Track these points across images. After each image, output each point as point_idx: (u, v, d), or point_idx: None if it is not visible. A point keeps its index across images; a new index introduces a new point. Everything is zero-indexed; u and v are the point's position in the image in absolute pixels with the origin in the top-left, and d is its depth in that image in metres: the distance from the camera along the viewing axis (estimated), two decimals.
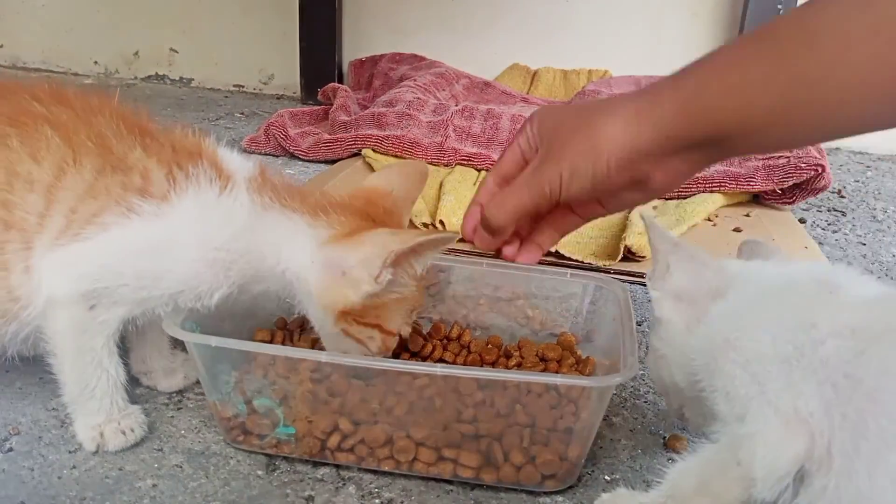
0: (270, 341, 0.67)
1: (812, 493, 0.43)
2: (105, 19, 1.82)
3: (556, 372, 0.63)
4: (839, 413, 0.43)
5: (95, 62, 1.86)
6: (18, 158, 0.56)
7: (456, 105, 1.43)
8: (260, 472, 0.58)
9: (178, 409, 0.65)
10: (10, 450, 0.59)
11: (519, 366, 0.63)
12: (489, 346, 0.66)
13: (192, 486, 0.57)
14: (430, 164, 1.26)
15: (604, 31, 1.74)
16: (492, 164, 1.22)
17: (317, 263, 0.58)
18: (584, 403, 0.55)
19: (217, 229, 0.57)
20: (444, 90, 1.52)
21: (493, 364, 0.64)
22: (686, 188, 1.19)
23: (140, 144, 0.59)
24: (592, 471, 0.60)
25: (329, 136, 1.33)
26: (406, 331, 0.62)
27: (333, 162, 1.31)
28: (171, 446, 0.61)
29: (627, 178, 0.60)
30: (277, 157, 1.33)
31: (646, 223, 0.61)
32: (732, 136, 0.59)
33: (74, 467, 0.58)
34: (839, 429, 0.43)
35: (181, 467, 0.58)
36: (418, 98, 1.41)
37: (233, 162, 0.61)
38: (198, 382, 0.67)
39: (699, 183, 1.19)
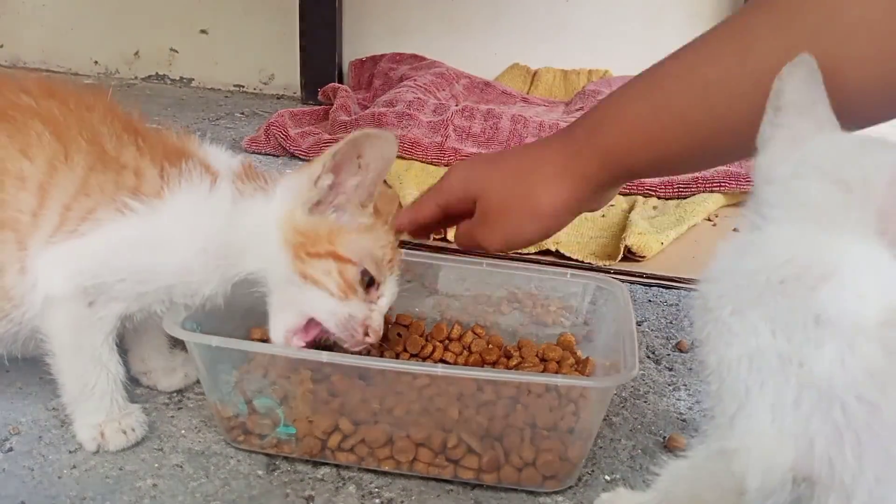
0: (268, 340, 0.66)
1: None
2: (105, 19, 1.82)
3: (557, 372, 0.63)
4: (851, 436, 0.39)
5: (96, 62, 1.85)
6: (8, 155, 0.56)
7: (456, 105, 1.43)
8: (260, 472, 0.58)
9: (179, 408, 0.65)
10: (11, 449, 0.59)
11: (519, 366, 0.63)
12: (490, 346, 0.66)
13: (192, 485, 0.57)
14: (430, 163, 1.26)
15: (604, 31, 1.74)
16: None
17: (279, 203, 0.59)
18: (584, 404, 0.55)
19: (206, 223, 0.58)
20: (444, 90, 1.53)
21: (494, 364, 0.64)
22: (686, 188, 1.19)
23: (133, 143, 0.59)
24: (592, 470, 0.60)
25: (329, 136, 1.33)
26: (380, 275, 0.60)
27: None
28: (171, 446, 0.61)
29: (568, 220, 0.68)
30: (278, 157, 1.33)
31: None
32: (648, 173, 0.77)
33: (75, 467, 0.58)
34: (850, 452, 0.39)
35: (181, 467, 0.58)
36: (418, 98, 1.41)
37: (218, 157, 0.62)
38: (198, 382, 0.67)
39: (699, 183, 1.19)
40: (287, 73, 1.76)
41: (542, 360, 0.64)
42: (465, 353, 0.65)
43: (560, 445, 0.55)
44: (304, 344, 0.59)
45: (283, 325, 0.59)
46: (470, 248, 0.71)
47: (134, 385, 0.67)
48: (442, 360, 0.65)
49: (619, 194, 1.19)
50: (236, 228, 0.59)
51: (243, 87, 1.82)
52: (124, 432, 0.60)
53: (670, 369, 0.74)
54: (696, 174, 1.19)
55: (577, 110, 1.50)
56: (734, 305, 0.43)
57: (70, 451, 0.59)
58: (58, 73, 1.84)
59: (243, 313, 0.66)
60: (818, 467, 0.40)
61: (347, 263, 0.58)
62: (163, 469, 0.58)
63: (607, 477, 0.59)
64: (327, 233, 0.58)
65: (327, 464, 0.59)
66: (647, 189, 1.20)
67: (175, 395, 0.67)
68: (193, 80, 1.84)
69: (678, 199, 1.17)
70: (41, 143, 0.56)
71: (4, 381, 0.66)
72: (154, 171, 0.58)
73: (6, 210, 0.55)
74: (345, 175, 0.59)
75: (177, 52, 1.83)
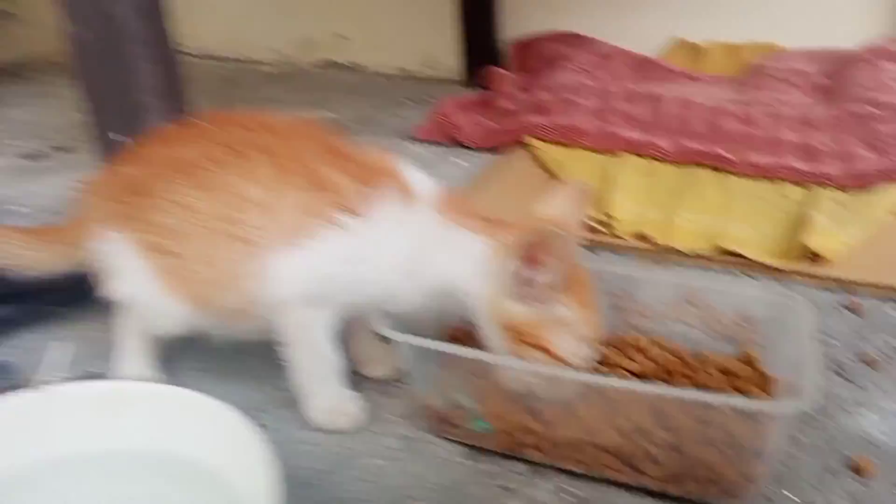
0: (463, 341, 0.72)
1: None
2: (278, 8, 1.96)
3: (739, 388, 0.65)
4: None
5: (272, 50, 2.00)
6: (243, 183, 0.64)
7: (618, 87, 1.41)
8: (463, 461, 0.66)
9: (387, 396, 0.73)
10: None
11: (703, 381, 0.65)
12: (672, 357, 0.68)
13: (405, 466, 0.65)
14: (594, 151, 1.27)
15: (769, 0, 1.63)
16: (657, 152, 1.21)
17: (483, 275, 0.63)
18: (771, 425, 0.57)
19: (403, 243, 0.64)
20: (604, 69, 1.51)
21: (675, 375, 0.67)
22: (865, 179, 1.10)
23: (338, 165, 0.65)
24: (777, 489, 0.61)
25: (494, 125, 1.37)
26: (578, 361, 0.62)
27: (498, 150, 1.34)
28: (383, 430, 0.69)
29: None
30: (444, 145, 1.38)
31: None
32: None
33: (306, 443, 0.68)
34: None
35: (394, 449, 0.67)
36: (579, 82, 1.41)
37: (420, 181, 0.67)
38: (405, 373, 0.74)
39: (881, 173, 1.09)
40: (449, 56, 1.81)
41: (725, 373, 0.66)
42: (650, 363, 0.68)
43: (745, 464, 0.58)
44: None
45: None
46: None
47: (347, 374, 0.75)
48: (623, 369, 0.68)
49: (792, 183, 1.13)
50: (439, 256, 0.65)
51: (407, 71, 1.89)
52: (346, 415, 0.69)
53: (856, 385, 0.73)
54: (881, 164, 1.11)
55: (752, 89, 1.41)
56: None
57: (299, 429, 0.69)
58: (238, 62, 2.00)
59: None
60: None
61: (558, 360, 0.62)
62: (380, 450, 0.67)
63: (788, 493, 0.60)
64: (537, 328, 0.62)
65: (525, 460, 0.65)
66: (822, 178, 1.12)
67: (381, 384, 0.75)
68: (362, 65, 1.93)
69: (856, 188, 1.09)
70: (265, 172, 0.65)
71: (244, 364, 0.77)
72: (357, 191, 0.64)
73: (246, 229, 0.65)
74: (537, 271, 0.61)
75: (346, 38, 1.93)
